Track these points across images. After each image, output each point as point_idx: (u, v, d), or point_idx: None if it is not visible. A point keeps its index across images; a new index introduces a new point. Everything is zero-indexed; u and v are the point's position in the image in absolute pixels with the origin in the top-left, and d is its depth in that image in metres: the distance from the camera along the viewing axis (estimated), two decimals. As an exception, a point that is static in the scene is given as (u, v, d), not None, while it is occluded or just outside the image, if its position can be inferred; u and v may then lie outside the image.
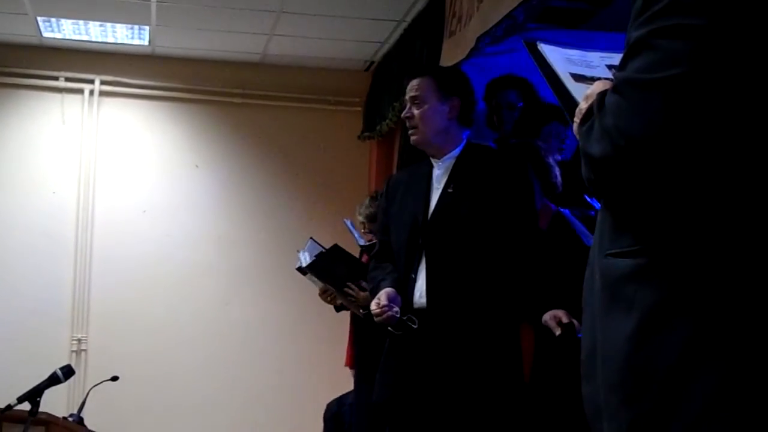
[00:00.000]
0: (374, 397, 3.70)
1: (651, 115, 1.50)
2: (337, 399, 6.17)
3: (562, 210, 4.21)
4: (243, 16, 6.54)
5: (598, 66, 1.90)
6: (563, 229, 4.10)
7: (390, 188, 3.88)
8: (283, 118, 7.73)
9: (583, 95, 1.74)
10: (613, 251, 1.65)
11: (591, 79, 1.82)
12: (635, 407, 1.58)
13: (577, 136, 1.69)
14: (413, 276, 3.57)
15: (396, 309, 3.50)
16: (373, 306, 3.53)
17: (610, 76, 1.74)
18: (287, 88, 7.70)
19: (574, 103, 1.77)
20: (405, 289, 3.58)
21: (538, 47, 1.96)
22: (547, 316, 3.44)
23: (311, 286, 5.17)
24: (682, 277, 1.55)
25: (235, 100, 7.65)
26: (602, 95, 1.63)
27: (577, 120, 1.72)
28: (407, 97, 3.76)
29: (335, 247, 4.71)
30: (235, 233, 7.61)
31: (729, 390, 1.49)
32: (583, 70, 1.89)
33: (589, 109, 1.66)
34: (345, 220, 5.13)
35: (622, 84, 1.57)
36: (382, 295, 3.52)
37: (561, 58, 1.95)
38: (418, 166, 3.81)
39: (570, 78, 1.87)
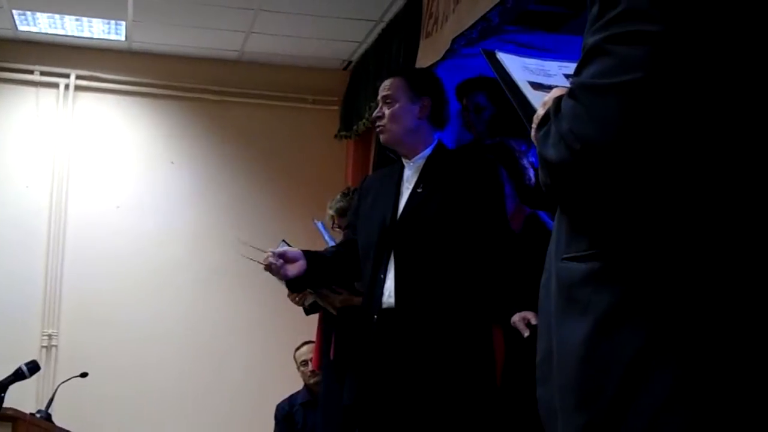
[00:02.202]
0: (344, 399, 3.69)
1: (606, 120, 1.51)
2: (288, 399, 6.20)
3: (538, 212, 4.21)
4: (220, 13, 6.54)
5: (556, 75, 1.92)
6: (537, 230, 4.10)
7: (363, 189, 3.89)
8: (260, 116, 7.73)
9: (541, 102, 1.75)
10: (569, 255, 1.66)
11: (548, 88, 1.84)
12: (589, 410, 1.59)
13: (535, 142, 1.70)
14: (382, 276, 3.57)
15: (281, 262, 3.61)
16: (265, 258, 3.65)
17: (568, 85, 1.76)
18: (264, 86, 7.70)
19: (532, 111, 1.78)
20: (374, 289, 3.59)
21: (497, 55, 1.97)
22: (516, 318, 3.45)
23: (280, 287, 5.15)
24: (636, 281, 1.56)
25: (212, 97, 7.64)
26: (558, 100, 1.64)
27: (534, 126, 1.72)
28: (379, 97, 3.76)
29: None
30: (209, 230, 7.60)
31: (681, 393, 1.51)
32: (540, 78, 1.90)
33: (546, 114, 1.67)
34: (315, 221, 5.10)
35: (577, 89, 1.58)
36: (278, 249, 3.67)
37: (519, 67, 1.97)
38: (392, 168, 3.81)
39: (528, 86, 1.88)
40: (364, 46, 7.12)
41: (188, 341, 7.45)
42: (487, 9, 4.41)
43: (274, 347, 7.33)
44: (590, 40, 1.57)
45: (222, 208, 7.66)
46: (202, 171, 7.65)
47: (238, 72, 7.68)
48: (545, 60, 1.97)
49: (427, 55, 5.26)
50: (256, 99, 7.70)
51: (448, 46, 4.82)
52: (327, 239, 5.02)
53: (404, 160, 3.71)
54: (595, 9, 1.58)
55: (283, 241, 5.04)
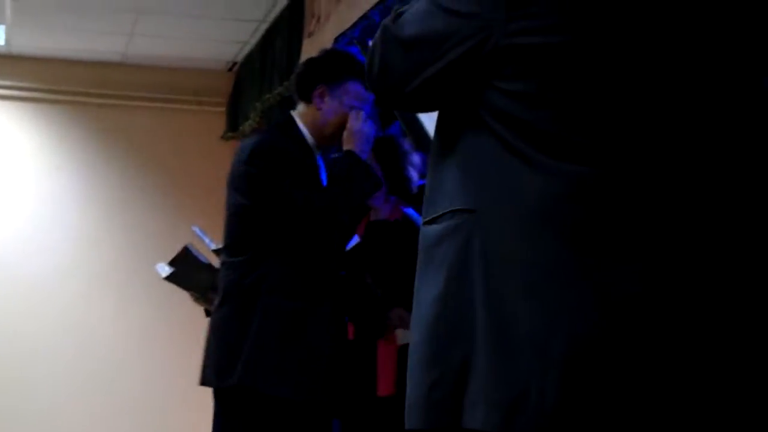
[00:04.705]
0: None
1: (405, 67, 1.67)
2: None
3: (404, 209, 4.22)
4: (101, 15, 6.51)
5: None
6: (409, 227, 4.11)
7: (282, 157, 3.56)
8: (146, 119, 7.69)
9: None
10: (426, 219, 1.72)
11: None
12: (440, 366, 1.63)
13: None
14: None
15: None
16: None
17: None
18: (149, 89, 7.66)
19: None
20: None
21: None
22: (393, 315, 3.56)
23: (177, 289, 5.11)
24: (479, 237, 1.61)
25: (96, 100, 7.58)
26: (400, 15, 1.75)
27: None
28: None
29: (185, 250, 4.67)
30: (97, 235, 7.53)
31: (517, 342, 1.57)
32: None
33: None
34: (193, 227, 5.05)
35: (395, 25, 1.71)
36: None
37: None
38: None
39: None
40: (248, 47, 7.16)
41: (79, 354, 7.34)
42: (368, 8, 4.52)
43: (175, 357, 7.23)
44: None
45: (110, 212, 7.59)
46: (88, 176, 7.59)
47: (122, 75, 7.63)
48: None
49: (310, 54, 5.34)
50: (141, 102, 7.66)
51: (330, 45, 4.89)
52: (207, 242, 4.96)
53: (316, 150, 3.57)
54: None
55: (187, 246, 4.95)
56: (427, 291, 1.67)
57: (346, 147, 3.40)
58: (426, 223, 1.72)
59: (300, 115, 3.42)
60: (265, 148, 3.33)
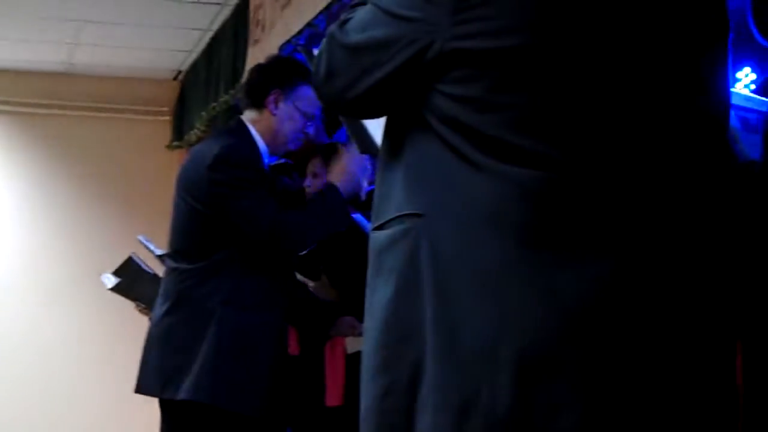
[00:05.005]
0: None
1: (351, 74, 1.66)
2: None
3: (353, 215, 4.24)
4: (44, 25, 6.51)
5: None
6: (358, 234, 4.12)
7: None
8: (92, 129, 7.70)
9: None
10: (375, 225, 1.72)
11: None
12: (390, 373, 1.63)
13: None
14: None
15: None
16: None
17: None
18: (95, 98, 7.68)
19: None
20: None
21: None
22: (343, 323, 3.59)
23: (128, 303, 5.09)
24: (427, 242, 1.61)
25: (42, 111, 7.58)
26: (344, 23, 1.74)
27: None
28: None
29: (129, 259, 4.60)
30: (43, 247, 7.52)
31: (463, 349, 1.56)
32: None
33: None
34: (139, 236, 5.03)
35: (340, 31, 1.71)
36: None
37: None
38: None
39: None
40: (194, 56, 7.19)
41: (27, 375, 7.29)
42: (313, 15, 4.55)
43: (132, 372, 7.18)
44: None
45: (57, 223, 7.59)
46: (35, 186, 7.59)
47: (67, 85, 7.64)
48: None
49: (256, 63, 5.37)
50: (87, 111, 7.67)
51: (276, 52, 4.91)
52: (152, 249, 4.93)
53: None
54: None
55: (131, 256, 4.92)
56: (377, 298, 1.67)
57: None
58: (375, 229, 1.72)
59: (251, 121, 3.40)
60: (231, 155, 3.29)
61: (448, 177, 1.61)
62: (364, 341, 1.71)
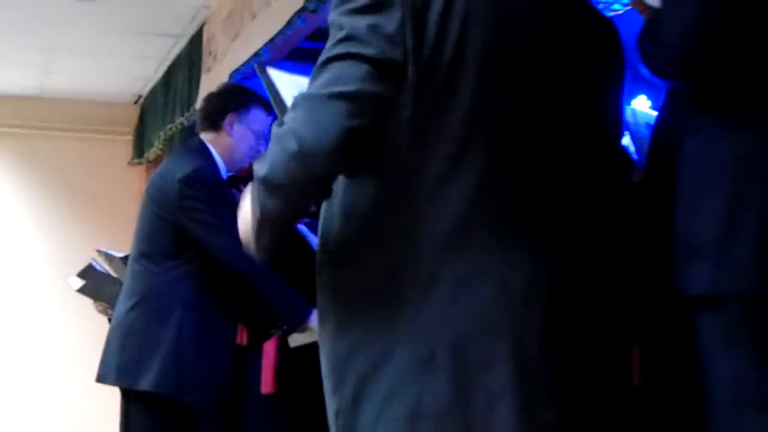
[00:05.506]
0: None
1: (321, 124, 1.55)
2: None
3: (297, 226, 3.87)
4: (14, 52, 6.59)
5: None
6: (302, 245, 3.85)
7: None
8: (60, 148, 7.83)
9: None
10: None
11: None
12: (338, 396, 1.65)
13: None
14: None
15: None
16: None
17: None
18: (64, 120, 7.84)
19: None
20: None
21: (267, 70, 2.06)
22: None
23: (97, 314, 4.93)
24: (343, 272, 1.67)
25: (15, 131, 7.76)
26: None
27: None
28: None
29: (89, 266, 4.63)
30: (14, 263, 7.66)
31: (405, 380, 1.58)
32: None
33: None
34: (98, 249, 4.80)
35: (299, 99, 1.62)
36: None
37: (287, 83, 2.01)
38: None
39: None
40: (152, 82, 7.29)
41: (7, 390, 7.36)
42: (259, 46, 4.63)
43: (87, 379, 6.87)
44: (319, 59, 1.62)
45: (26, 239, 7.74)
46: (7, 201, 7.77)
47: (38, 107, 7.80)
48: None
49: (209, 89, 4.91)
50: (56, 131, 7.83)
51: (226, 79, 5.00)
52: (113, 253, 4.68)
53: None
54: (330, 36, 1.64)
55: (91, 264, 4.85)
56: (327, 322, 1.69)
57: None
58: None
59: (209, 141, 3.52)
60: (202, 175, 3.40)
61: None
62: (323, 364, 1.71)
